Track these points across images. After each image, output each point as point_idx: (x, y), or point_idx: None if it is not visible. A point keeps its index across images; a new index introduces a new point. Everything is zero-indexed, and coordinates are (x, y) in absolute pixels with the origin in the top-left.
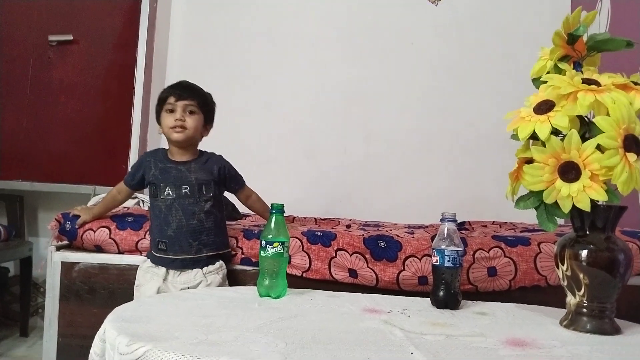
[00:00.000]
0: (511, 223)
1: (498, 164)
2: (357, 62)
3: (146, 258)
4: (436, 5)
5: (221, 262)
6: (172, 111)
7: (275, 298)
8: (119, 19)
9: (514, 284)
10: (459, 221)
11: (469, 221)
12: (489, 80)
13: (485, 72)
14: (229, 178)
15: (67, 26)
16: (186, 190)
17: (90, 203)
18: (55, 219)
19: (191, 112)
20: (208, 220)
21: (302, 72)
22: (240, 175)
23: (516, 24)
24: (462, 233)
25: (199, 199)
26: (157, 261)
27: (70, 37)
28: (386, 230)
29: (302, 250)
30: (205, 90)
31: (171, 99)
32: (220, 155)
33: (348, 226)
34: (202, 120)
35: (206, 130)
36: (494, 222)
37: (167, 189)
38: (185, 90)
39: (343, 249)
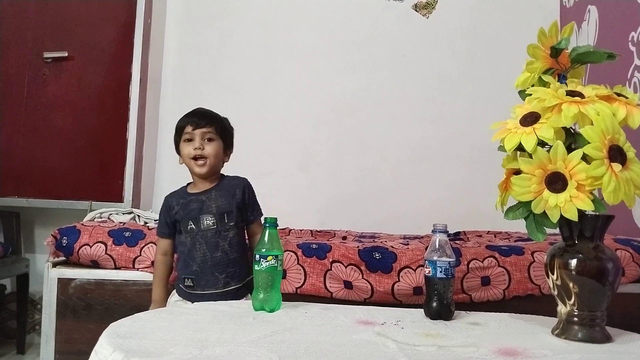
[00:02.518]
0: (506, 232)
1: (492, 173)
2: (350, 74)
3: (174, 292)
4: (427, 17)
5: (249, 296)
6: (190, 140)
7: (270, 312)
8: (114, 35)
9: (507, 294)
10: (454, 231)
11: (464, 231)
12: (480, 90)
13: (476, 82)
14: (249, 204)
15: (62, 43)
16: (208, 221)
17: (86, 219)
18: (52, 235)
19: (210, 140)
20: (233, 250)
21: (296, 85)
22: (259, 206)
23: (506, 35)
24: (456, 243)
25: (222, 229)
26: (185, 296)
27: (66, 54)
28: (381, 242)
29: (298, 263)
30: (206, 108)
31: (188, 128)
32: (244, 178)
33: (344, 238)
34: (222, 147)
35: (227, 156)
36: (488, 231)
37: (189, 223)
38: (202, 117)
39: (338, 261)
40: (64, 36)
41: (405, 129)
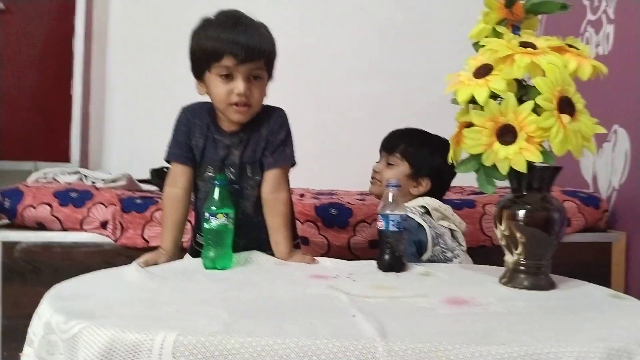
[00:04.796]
0: (460, 187)
1: (449, 128)
2: (306, 28)
3: (186, 255)
4: None
5: None
6: (228, 76)
7: (221, 269)
8: None
9: None
10: None
11: None
12: (439, 44)
13: (435, 36)
14: (271, 143)
15: None
16: (230, 172)
17: (30, 179)
18: None
19: (256, 78)
20: (258, 213)
21: None
22: (292, 151)
23: None
24: None
25: (244, 185)
26: (197, 256)
27: (2, 6)
28: (338, 198)
29: None
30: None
31: (228, 60)
32: (280, 109)
33: (302, 195)
34: (267, 81)
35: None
36: None
37: (208, 169)
38: (250, 46)
39: (295, 219)
40: None
41: (363, 84)
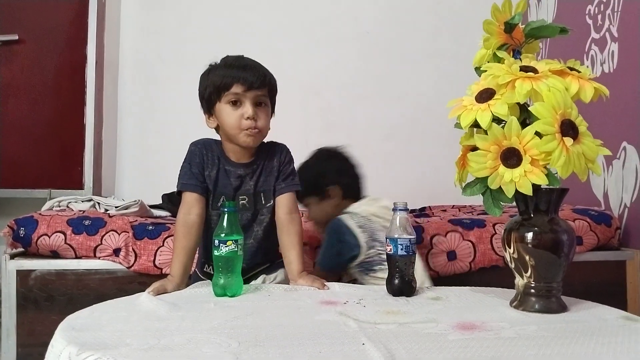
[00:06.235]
0: (470, 206)
1: (456, 148)
2: (313, 53)
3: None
4: None
5: (282, 270)
6: (236, 103)
7: (232, 297)
8: (67, 16)
9: (474, 266)
10: (420, 207)
11: (429, 206)
12: (445, 66)
13: (440, 58)
14: (283, 172)
15: (11, 26)
16: (244, 201)
17: (44, 208)
18: (8, 226)
19: (261, 104)
20: (266, 238)
21: None
22: (299, 180)
23: (469, 9)
24: (417, 222)
25: (258, 212)
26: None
27: (16, 37)
28: None
29: None
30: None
31: (238, 87)
32: (283, 144)
33: None
34: (270, 111)
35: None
36: (453, 205)
37: (221, 199)
38: (255, 74)
39: (306, 244)
40: (14, 19)
41: (370, 106)
